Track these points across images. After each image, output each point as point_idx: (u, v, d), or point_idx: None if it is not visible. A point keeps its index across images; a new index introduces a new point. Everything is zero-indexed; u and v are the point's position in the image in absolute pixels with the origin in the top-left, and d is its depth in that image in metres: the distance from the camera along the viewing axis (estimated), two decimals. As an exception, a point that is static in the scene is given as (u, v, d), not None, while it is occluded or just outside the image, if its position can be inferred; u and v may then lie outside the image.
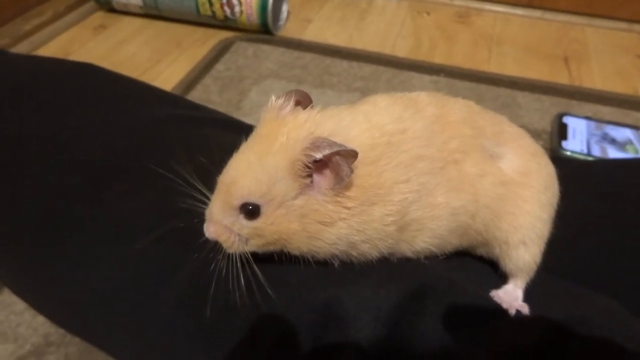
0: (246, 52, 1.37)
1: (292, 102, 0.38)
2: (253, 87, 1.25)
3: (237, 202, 0.37)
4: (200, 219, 0.39)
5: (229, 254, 0.39)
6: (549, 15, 1.70)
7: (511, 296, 0.43)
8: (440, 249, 0.41)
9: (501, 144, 0.42)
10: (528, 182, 0.42)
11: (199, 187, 0.40)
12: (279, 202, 0.36)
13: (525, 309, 0.42)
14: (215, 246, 0.39)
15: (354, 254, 0.39)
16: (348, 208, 0.36)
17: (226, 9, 1.37)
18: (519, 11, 1.70)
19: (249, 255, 0.38)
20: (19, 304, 0.75)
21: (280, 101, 0.38)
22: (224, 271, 0.39)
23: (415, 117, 0.39)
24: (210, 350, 0.40)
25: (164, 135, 0.54)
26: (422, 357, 0.38)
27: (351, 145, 0.34)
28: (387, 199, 0.37)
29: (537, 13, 1.71)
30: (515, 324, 0.40)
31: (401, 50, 1.45)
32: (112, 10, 1.45)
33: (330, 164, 0.35)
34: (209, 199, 0.39)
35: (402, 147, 0.37)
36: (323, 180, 0.36)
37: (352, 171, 0.34)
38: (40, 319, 0.73)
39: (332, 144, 0.34)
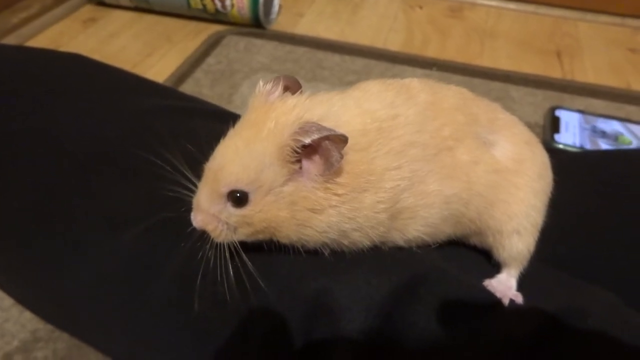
0: (237, 45, 1.35)
1: (280, 88, 0.37)
2: (244, 81, 1.24)
3: (225, 189, 0.36)
4: (188, 208, 0.38)
5: (217, 244, 0.38)
6: (542, 9, 1.70)
7: (505, 285, 0.43)
8: (433, 237, 0.41)
9: (495, 131, 0.42)
10: (522, 170, 0.41)
11: (188, 175, 0.39)
12: (268, 189, 0.35)
13: (519, 298, 0.42)
14: (204, 236, 0.38)
15: (345, 242, 0.38)
16: (338, 195, 0.35)
17: (217, 2, 1.36)
18: (512, 5, 1.69)
19: (237, 244, 0.37)
20: (6, 300, 0.73)
21: (269, 86, 0.37)
22: (212, 261, 0.38)
23: (407, 104, 0.38)
24: (200, 344, 0.39)
25: (153, 126, 0.53)
26: (414, 348, 0.37)
27: (341, 130, 0.33)
28: (378, 186, 0.36)
29: (530, 7, 1.70)
30: (509, 315, 0.39)
31: (393, 44, 1.44)
32: (101, 3, 1.43)
33: (320, 150, 0.34)
34: (197, 187, 0.38)
35: (393, 134, 0.37)
36: (312, 166, 0.35)
37: (342, 157, 0.34)
38: (28, 315, 0.72)
39: (321, 128, 0.33)
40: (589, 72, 1.38)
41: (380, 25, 1.52)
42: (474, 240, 0.44)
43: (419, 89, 0.40)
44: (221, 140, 0.37)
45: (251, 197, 0.36)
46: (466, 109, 0.41)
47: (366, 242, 0.38)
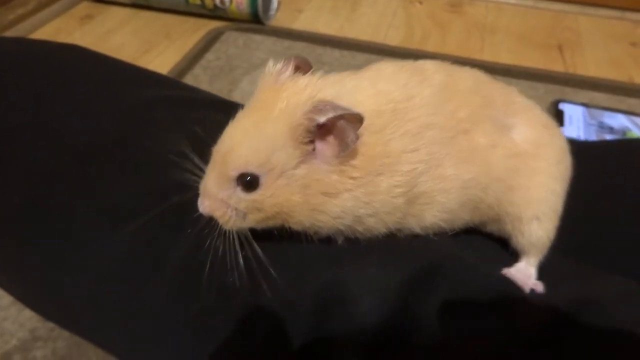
0: (236, 41, 1.34)
1: (291, 68, 0.35)
2: (244, 77, 1.23)
3: (234, 172, 0.34)
4: (195, 195, 0.36)
5: (225, 231, 0.36)
6: (541, 3, 1.69)
7: (524, 274, 0.41)
8: (450, 224, 0.39)
9: (511, 114, 0.40)
10: (541, 154, 0.40)
11: (194, 160, 0.37)
12: (279, 172, 0.34)
13: (539, 287, 0.40)
14: (211, 223, 0.36)
15: (360, 229, 0.36)
16: (353, 178, 0.34)
17: (215, -3, 1.34)
18: (512, 0, 1.69)
19: (248, 231, 0.36)
20: (5, 298, 0.72)
21: (279, 66, 0.35)
22: (220, 250, 0.36)
23: (422, 85, 0.37)
24: (203, 341, 0.38)
25: (155, 116, 0.51)
26: (431, 339, 0.36)
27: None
28: (394, 169, 0.35)
29: (530, 2, 1.70)
30: (530, 304, 0.38)
31: (393, 40, 1.43)
32: (98, 0, 1.42)
33: (335, 130, 0.32)
34: (204, 172, 0.37)
35: (409, 115, 0.35)
36: (326, 147, 0.33)
37: (357, 137, 0.32)
38: (27, 314, 0.70)
39: (336, 107, 0.31)
40: (590, 66, 1.37)
41: (380, 21, 1.51)
42: (492, 228, 0.42)
43: (433, 70, 0.39)
44: (229, 123, 0.35)
45: (262, 180, 0.34)
46: (482, 91, 0.40)
47: (381, 229, 0.37)
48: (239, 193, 0.35)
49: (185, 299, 0.38)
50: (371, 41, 1.39)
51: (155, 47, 1.28)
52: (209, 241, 0.36)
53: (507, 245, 0.43)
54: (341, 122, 0.32)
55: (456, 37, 1.47)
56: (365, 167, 0.34)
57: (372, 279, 0.37)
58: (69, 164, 0.46)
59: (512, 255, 0.43)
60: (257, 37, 1.37)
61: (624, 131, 1.10)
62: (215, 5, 1.36)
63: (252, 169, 0.34)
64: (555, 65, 1.36)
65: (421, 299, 0.36)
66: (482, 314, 0.37)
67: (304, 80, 0.35)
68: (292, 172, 0.34)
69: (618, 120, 1.13)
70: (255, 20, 1.39)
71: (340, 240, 0.38)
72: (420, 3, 1.64)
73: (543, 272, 0.42)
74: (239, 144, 0.34)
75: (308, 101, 0.32)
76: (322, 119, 0.31)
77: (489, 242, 0.44)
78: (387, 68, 0.38)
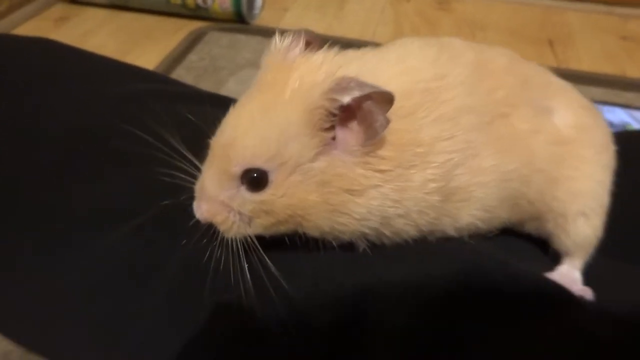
0: (220, 41, 1.28)
1: (302, 44, 0.30)
2: (230, 77, 1.17)
3: (238, 168, 0.28)
4: (189, 196, 0.31)
5: (227, 240, 0.30)
6: None
7: (568, 279, 0.36)
8: (488, 224, 0.34)
9: (550, 96, 0.35)
10: (586, 141, 0.35)
11: (188, 156, 0.32)
12: (293, 166, 0.28)
13: (588, 294, 0.35)
14: (210, 230, 0.31)
15: (387, 232, 0.31)
16: (381, 172, 0.28)
17: (197, -4, 1.28)
18: (501, -4, 1.66)
19: (254, 239, 0.30)
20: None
21: (287, 41, 0.30)
22: (221, 262, 0.30)
23: (453, 62, 0.32)
24: None
25: (143, 111, 0.45)
26: (476, 351, 0.30)
27: None
28: (427, 160, 0.29)
29: (518, -2, 1.67)
30: (582, 312, 0.32)
31: (382, 37, 1.38)
32: (74, 1, 1.35)
33: (360, 113, 0.27)
34: (199, 171, 0.31)
35: (442, 96, 0.30)
36: (349, 135, 0.28)
37: (388, 122, 0.26)
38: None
39: (362, 84, 0.26)
40: (583, 61, 1.35)
41: (368, 19, 1.46)
42: (530, 227, 0.37)
43: (463, 47, 0.34)
44: (230, 110, 0.30)
45: (271, 177, 0.28)
46: (517, 70, 0.35)
47: (412, 232, 0.31)
48: (244, 193, 0.29)
49: (181, 317, 0.32)
50: (360, 39, 1.34)
51: (135, 48, 1.21)
52: (208, 253, 0.30)
53: (546, 246, 0.38)
54: (368, 104, 0.26)
55: (446, 33, 1.43)
56: (394, 159, 0.28)
57: (401, 290, 0.31)
58: (43, 163, 0.41)
59: (553, 258, 0.38)
60: (242, 37, 1.31)
61: (623, 126, 1.07)
62: (197, 5, 1.30)
63: (259, 163, 0.28)
64: (548, 60, 1.33)
65: (461, 309, 0.31)
66: (532, 321, 0.31)
67: (318, 56, 0.29)
68: (309, 166, 0.28)
69: (617, 115, 1.10)
70: (239, 20, 1.33)
71: (361, 248, 0.32)
72: (408, 1, 1.60)
73: (590, 273, 0.37)
74: (243, 134, 0.28)
75: (327, 79, 0.27)
76: (346, 99, 0.26)
77: (525, 244, 0.38)
78: (412, 43, 0.33)
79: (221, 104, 0.48)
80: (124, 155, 0.40)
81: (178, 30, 1.31)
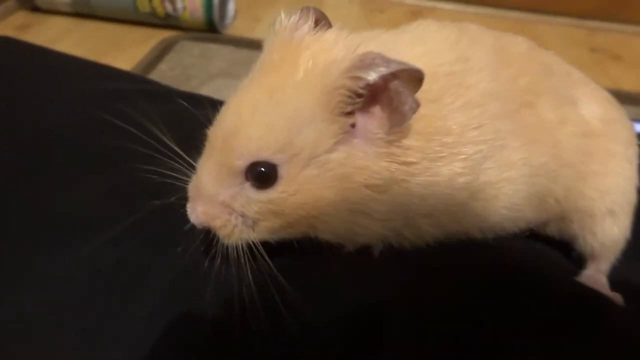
0: (192, 51, 1.24)
1: (311, 21, 0.26)
2: (202, 86, 1.13)
3: (241, 162, 0.24)
4: (180, 197, 0.26)
5: (226, 247, 0.26)
6: (500, 12, 1.68)
7: (595, 284, 0.33)
8: (514, 224, 0.30)
9: (573, 86, 0.33)
10: (613, 134, 0.32)
11: (178, 151, 0.27)
12: (307, 158, 0.24)
13: (618, 299, 0.32)
14: (209, 237, 0.26)
15: (409, 234, 0.27)
16: (407, 164, 0.25)
17: (167, 5, 1.24)
18: (471, 9, 1.67)
19: (259, 245, 0.26)
20: None
21: (294, 19, 0.26)
22: (222, 273, 0.26)
23: (475, 45, 0.29)
24: None
25: (118, 109, 0.41)
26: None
27: None
28: (455, 152, 0.26)
29: (489, 10, 1.69)
30: (622, 317, 0.29)
31: (358, 47, 1.36)
32: (36, 9, 1.28)
33: (386, 94, 0.23)
34: (192, 169, 0.27)
35: (467, 81, 0.27)
36: (371, 121, 0.24)
37: (418, 104, 0.23)
38: None
39: (389, 60, 0.22)
40: (556, 72, 1.36)
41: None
42: (552, 229, 0.34)
43: (481, 31, 0.31)
44: (231, 97, 0.26)
45: (281, 171, 0.24)
46: (538, 57, 0.32)
47: (436, 233, 0.28)
48: (248, 191, 0.25)
49: (168, 339, 0.27)
50: (336, 49, 1.32)
51: (102, 57, 1.16)
52: (207, 263, 0.26)
53: (568, 249, 0.35)
54: (395, 83, 0.22)
55: (421, 44, 1.42)
56: (421, 149, 0.25)
57: (426, 302, 0.27)
58: (10, 168, 0.37)
59: (577, 262, 0.35)
60: (214, 46, 1.27)
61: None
62: (167, 13, 1.26)
63: (267, 155, 0.24)
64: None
65: (501, 314, 0.28)
66: (572, 326, 0.28)
67: (330, 34, 0.25)
68: (326, 158, 0.24)
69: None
70: (210, 29, 1.30)
71: (378, 252, 0.28)
72: (382, 12, 1.60)
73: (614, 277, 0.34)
74: (247, 122, 0.24)
75: (348, 56, 0.23)
76: (372, 77, 0.22)
77: (547, 247, 0.35)
78: (430, 25, 0.29)
79: (205, 104, 0.44)
80: (103, 155, 0.36)
81: (147, 40, 1.26)
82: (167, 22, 1.28)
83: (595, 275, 0.34)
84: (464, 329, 0.27)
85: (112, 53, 1.20)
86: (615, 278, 0.34)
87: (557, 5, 1.65)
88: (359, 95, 0.23)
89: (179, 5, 1.24)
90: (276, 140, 0.24)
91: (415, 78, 0.23)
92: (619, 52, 1.46)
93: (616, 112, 0.33)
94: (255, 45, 1.11)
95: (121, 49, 1.22)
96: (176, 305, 0.28)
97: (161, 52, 1.23)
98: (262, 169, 0.24)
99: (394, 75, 0.22)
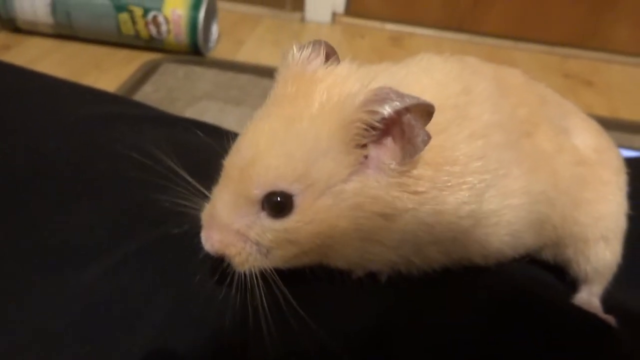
0: (176, 73, 1.24)
1: (322, 55, 0.27)
2: (187, 108, 1.13)
3: (259, 191, 0.25)
4: (193, 225, 0.27)
5: (237, 274, 0.26)
6: (476, 38, 1.73)
7: (589, 306, 0.34)
8: (514, 250, 0.31)
9: (566, 116, 0.34)
10: (605, 162, 0.34)
11: (187, 177, 0.28)
12: (323, 188, 0.25)
13: (612, 321, 0.33)
14: (222, 265, 0.26)
15: (417, 261, 0.28)
16: (417, 193, 0.25)
17: (151, 28, 1.24)
18: (449, 35, 1.71)
19: (274, 272, 0.26)
20: None
21: (307, 52, 0.27)
22: (237, 303, 0.26)
23: (476, 77, 0.30)
24: None
25: (108, 136, 0.41)
26: None
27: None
28: (461, 181, 0.27)
29: (467, 37, 1.73)
30: (618, 338, 0.30)
31: (341, 71, 1.38)
32: (17, 30, 1.27)
33: (398, 127, 0.24)
34: (201, 195, 0.27)
35: (471, 112, 0.28)
36: (384, 153, 0.25)
37: (429, 137, 0.24)
38: None
39: (401, 95, 0.23)
40: (531, 97, 1.40)
41: (325, 53, 1.47)
42: (547, 254, 0.35)
43: (480, 64, 0.32)
44: (247, 126, 0.26)
45: (297, 201, 0.25)
46: (534, 88, 0.33)
47: (443, 260, 0.29)
48: (264, 220, 0.25)
49: None
50: (319, 72, 1.33)
51: (84, 78, 1.15)
52: (223, 292, 0.26)
53: (562, 273, 0.36)
54: (408, 117, 0.24)
55: (402, 69, 1.45)
56: (431, 179, 0.26)
57: (435, 326, 0.28)
58: (7, 190, 0.36)
59: (571, 285, 0.36)
60: (198, 69, 1.28)
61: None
62: (151, 36, 1.26)
63: (284, 185, 0.24)
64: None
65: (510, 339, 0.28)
66: (575, 351, 0.29)
67: (342, 68, 0.26)
68: (341, 188, 0.25)
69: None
70: (194, 52, 1.30)
71: (384, 279, 0.29)
72: (362, 37, 1.63)
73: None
74: (265, 153, 0.24)
75: (362, 90, 0.24)
76: (386, 111, 0.23)
77: (542, 271, 0.36)
78: (433, 57, 0.31)
79: (198, 130, 0.45)
80: (99, 181, 0.35)
81: (130, 61, 1.26)
82: (151, 44, 1.29)
83: (589, 299, 0.35)
84: (462, 349, 0.28)
85: (94, 74, 1.20)
86: (608, 302, 0.36)
87: (532, 33, 1.70)
88: (374, 128, 0.24)
89: (164, 28, 1.25)
90: (294, 171, 0.24)
91: (426, 112, 0.24)
92: (591, 78, 1.51)
93: (606, 141, 0.35)
94: (239, 68, 1.13)
95: (103, 71, 1.22)
96: (177, 336, 0.28)
97: (145, 74, 1.23)
98: (279, 199, 0.25)
99: (407, 109, 0.23)
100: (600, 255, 0.34)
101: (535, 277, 0.35)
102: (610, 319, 0.33)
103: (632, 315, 0.34)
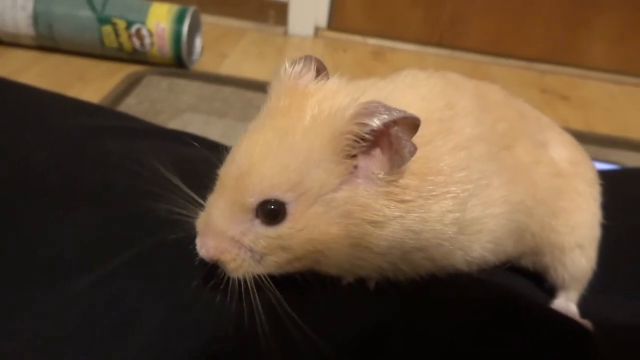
0: (159, 85, 1.25)
1: (313, 70, 0.28)
2: (171, 120, 1.13)
3: (254, 199, 0.26)
4: (188, 233, 0.27)
5: (231, 280, 0.27)
6: (457, 54, 1.76)
7: (566, 311, 0.36)
8: (496, 256, 0.33)
9: (543, 130, 0.36)
10: (579, 174, 0.36)
11: (180, 186, 0.29)
12: (314, 197, 0.26)
13: (589, 325, 0.35)
14: (216, 272, 0.27)
15: (404, 267, 0.29)
16: (404, 202, 0.27)
17: (135, 40, 1.25)
18: (430, 50, 1.75)
19: (267, 278, 0.27)
20: None
21: (298, 68, 0.28)
22: (232, 310, 0.27)
23: (459, 93, 0.32)
24: None
25: (97, 147, 0.41)
26: None
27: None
28: (445, 191, 0.28)
29: (446, 52, 1.77)
30: (593, 344, 0.32)
31: (323, 85, 1.40)
32: (-2, 42, 1.27)
33: (386, 139, 0.25)
34: (195, 204, 0.28)
35: (455, 126, 0.29)
36: (372, 163, 0.26)
37: (415, 147, 0.25)
38: None
39: (390, 108, 0.25)
40: (509, 111, 1.43)
41: (308, 67, 1.48)
42: (526, 261, 0.37)
43: (462, 80, 0.34)
44: (241, 137, 0.27)
45: (290, 209, 0.26)
46: (513, 104, 0.35)
47: (428, 266, 0.30)
48: (258, 227, 0.26)
49: None
50: (302, 86, 1.35)
51: (67, 90, 1.15)
52: (209, 295, 0.27)
53: (540, 279, 0.38)
54: (395, 130, 0.25)
55: (384, 83, 1.47)
56: (417, 188, 0.27)
57: (426, 332, 0.29)
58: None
59: (548, 291, 0.37)
60: (182, 82, 1.28)
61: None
62: (134, 49, 1.27)
63: (278, 194, 0.26)
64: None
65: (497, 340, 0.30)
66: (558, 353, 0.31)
67: (332, 83, 0.28)
68: (331, 196, 0.26)
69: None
70: (178, 64, 1.31)
71: (372, 285, 0.30)
72: (345, 51, 1.65)
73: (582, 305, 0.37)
74: (260, 162, 0.26)
75: (353, 103, 0.25)
76: (376, 123, 0.24)
77: (521, 278, 0.38)
78: (418, 74, 0.32)
79: (189, 142, 0.45)
80: (93, 192, 0.36)
81: (113, 73, 1.26)
82: (135, 57, 1.29)
83: (566, 304, 0.36)
84: (450, 355, 0.29)
85: (77, 86, 1.20)
86: (584, 307, 0.37)
87: (510, 49, 1.75)
88: (364, 140, 0.25)
89: (147, 41, 1.25)
90: (287, 180, 0.25)
91: (412, 124, 0.25)
92: (567, 93, 1.55)
93: (581, 154, 0.37)
94: (222, 81, 1.14)
95: (86, 82, 1.22)
96: (172, 343, 0.28)
97: (129, 86, 1.23)
98: (273, 207, 0.26)
99: (394, 122, 0.25)
100: (576, 262, 0.36)
101: (516, 284, 0.36)
102: (587, 323, 0.35)
103: (607, 320, 0.36)
